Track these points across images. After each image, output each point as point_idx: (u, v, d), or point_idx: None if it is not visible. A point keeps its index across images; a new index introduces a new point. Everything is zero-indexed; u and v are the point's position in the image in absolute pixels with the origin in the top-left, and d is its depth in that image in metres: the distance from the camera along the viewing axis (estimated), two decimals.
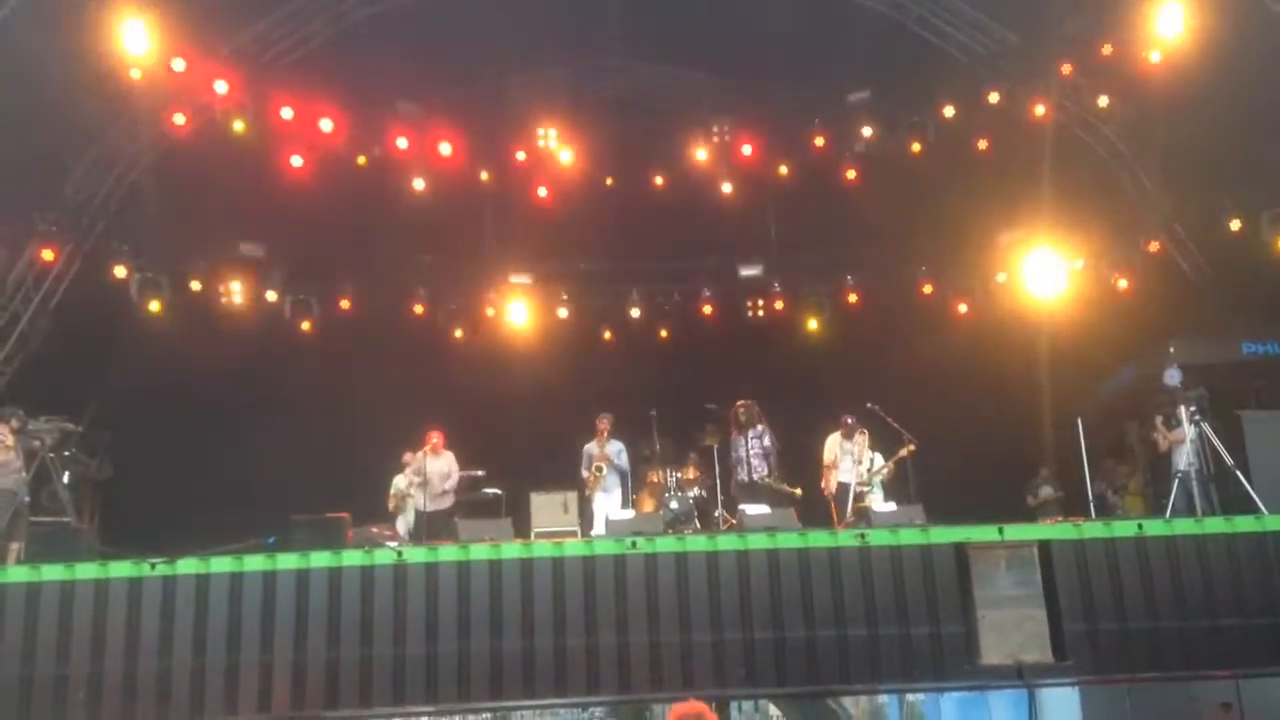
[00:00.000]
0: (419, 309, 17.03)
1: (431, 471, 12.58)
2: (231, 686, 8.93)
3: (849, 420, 12.78)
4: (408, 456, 12.93)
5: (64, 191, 14.90)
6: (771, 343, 17.44)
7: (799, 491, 12.25)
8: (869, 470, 12.61)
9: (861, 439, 12.82)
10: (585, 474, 12.64)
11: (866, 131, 15.80)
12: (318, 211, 15.43)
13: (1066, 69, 15.21)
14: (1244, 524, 9.54)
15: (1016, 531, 9.51)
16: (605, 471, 12.58)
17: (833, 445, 12.92)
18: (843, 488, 12.52)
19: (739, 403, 12.84)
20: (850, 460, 12.69)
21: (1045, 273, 16.24)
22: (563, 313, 17.36)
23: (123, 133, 15.01)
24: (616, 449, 12.74)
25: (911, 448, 12.33)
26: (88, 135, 14.71)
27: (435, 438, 12.73)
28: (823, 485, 12.83)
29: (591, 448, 12.72)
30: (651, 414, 13.37)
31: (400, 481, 13.02)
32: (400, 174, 15.57)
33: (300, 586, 9.16)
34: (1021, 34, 15.54)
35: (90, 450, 15.01)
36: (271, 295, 16.50)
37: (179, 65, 13.78)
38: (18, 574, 9.31)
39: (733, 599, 9.24)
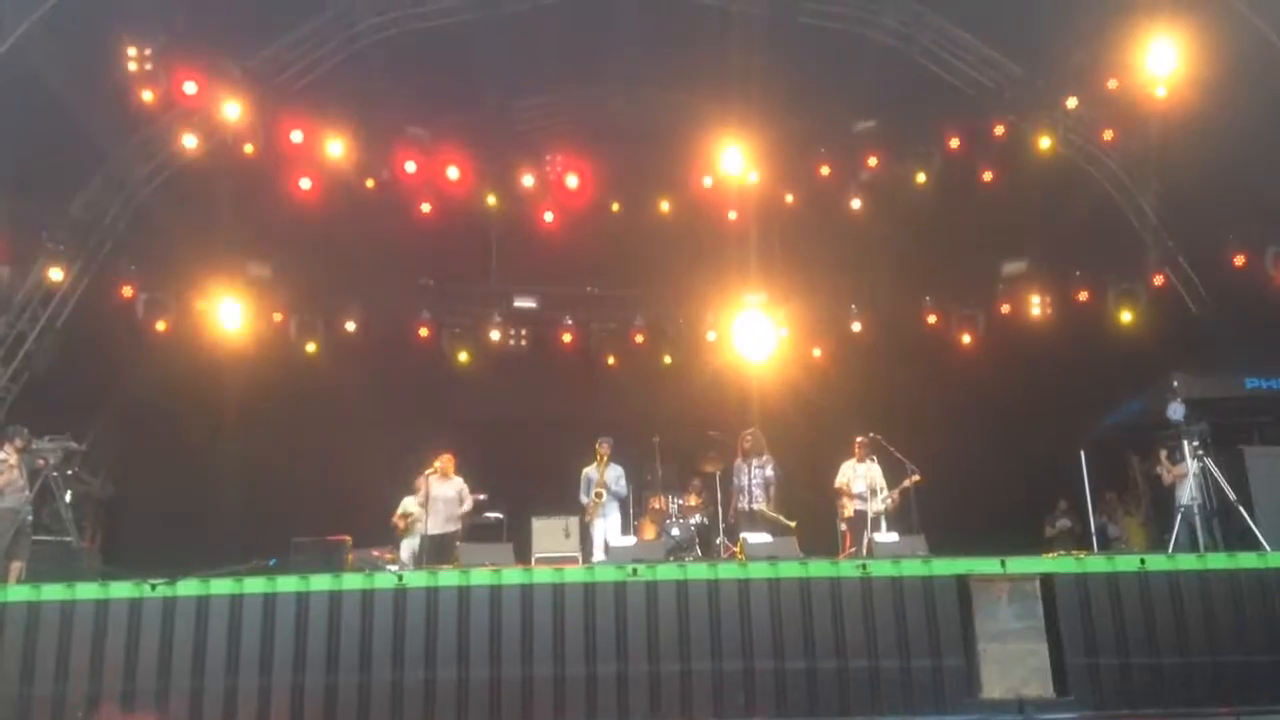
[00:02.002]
0: (424, 332, 17.08)
1: (436, 495, 12.52)
2: (230, 709, 8.89)
3: (861, 440, 12.68)
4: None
5: (73, 211, 14.95)
6: (775, 370, 17.42)
7: (794, 524, 12.17)
8: (881, 500, 12.53)
9: (876, 465, 12.69)
10: (584, 499, 12.59)
11: (872, 161, 15.88)
12: (325, 234, 15.53)
13: (1072, 102, 15.30)
14: (1246, 560, 9.51)
15: (1019, 564, 9.46)
16: (605, 498, 12.54)
17: (846, 470, 12.82)
18: (859, 516, 12.39)
19: (745, 431, 12.84)
20: (864, 485, 12.54)
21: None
22: (567, 337, 17.40)
23: (133, 153, 15.11)
24: (615, 474, 12.69)
25: (916, 478, 12.27)
26: (98, 155, 14.79)
27: (440, 461, 12.64)
28: (841, 514, 12.73)
29: (591, 472, 12.67)
30: (655, 440, 13.38)
31: (411, 504, 12.96)
32: (408, 197, 15.64)
33: (300, 609, 9.13)
34: (1027, 67, 15.63)
35: (93, 469, 15.02)
36: (277, 316, 16.56)
37: (190, 88, 13.89)
38: (18, 593, 9.30)
39: (733, 628, 9.20)
